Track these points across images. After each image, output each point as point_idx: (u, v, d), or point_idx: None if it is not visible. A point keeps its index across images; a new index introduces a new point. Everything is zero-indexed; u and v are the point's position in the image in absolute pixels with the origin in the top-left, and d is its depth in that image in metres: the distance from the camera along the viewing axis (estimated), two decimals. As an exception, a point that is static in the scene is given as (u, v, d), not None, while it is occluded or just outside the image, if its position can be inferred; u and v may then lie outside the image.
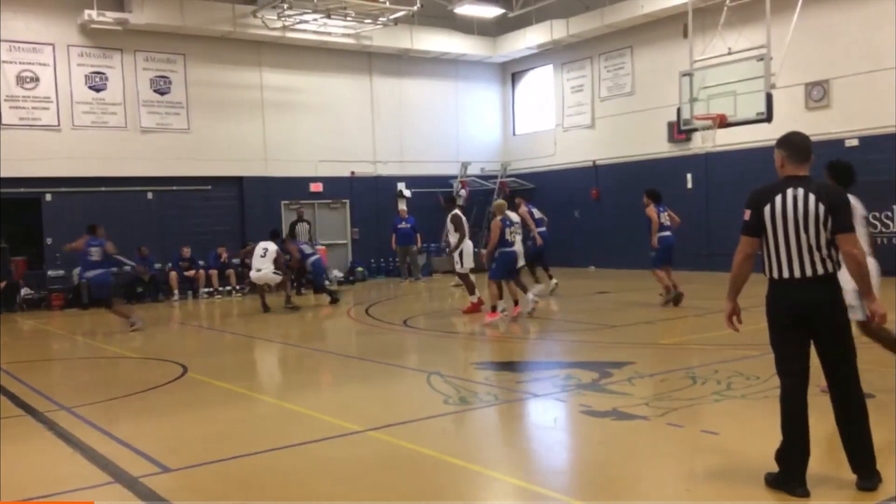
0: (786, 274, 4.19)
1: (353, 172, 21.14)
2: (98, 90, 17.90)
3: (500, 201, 12.38)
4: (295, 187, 20.35)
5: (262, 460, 5.29)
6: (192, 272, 17.96)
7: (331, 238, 20.86)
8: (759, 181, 4.59)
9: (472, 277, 12.88)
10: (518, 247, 11.89)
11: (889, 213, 15.25)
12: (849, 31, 15.84)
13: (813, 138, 4.58)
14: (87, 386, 8.50)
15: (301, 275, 16.97)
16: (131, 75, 18.26)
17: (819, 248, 4.14)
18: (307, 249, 16.10)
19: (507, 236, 11.49)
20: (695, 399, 6.36)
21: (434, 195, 20.85)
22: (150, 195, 18.54)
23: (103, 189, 17.76)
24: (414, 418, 6.27)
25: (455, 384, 7.43)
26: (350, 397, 7.44)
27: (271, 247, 14.56)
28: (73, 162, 17.35)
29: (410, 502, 4.45)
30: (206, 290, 17.93)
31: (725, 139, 15.02)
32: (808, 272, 4.15)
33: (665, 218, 12.56)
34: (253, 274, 14.64)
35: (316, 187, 20.73)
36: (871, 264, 5.50)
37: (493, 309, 11.42)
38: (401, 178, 21.85)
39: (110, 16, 17.38)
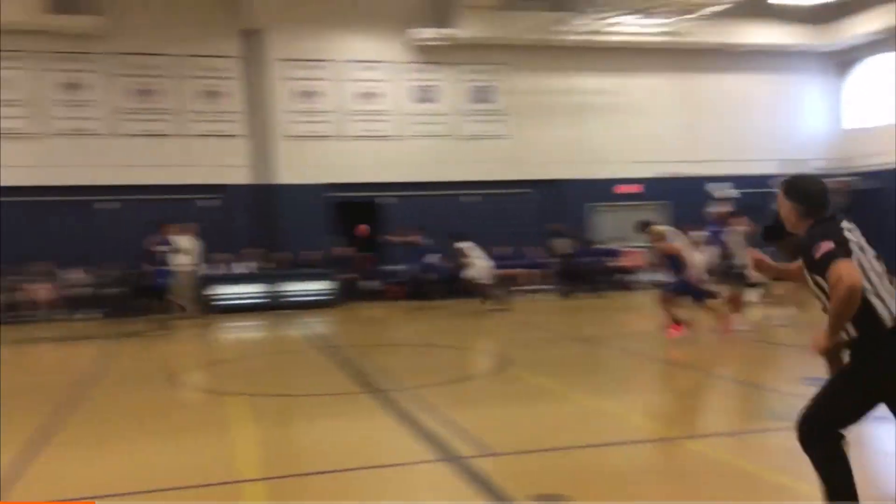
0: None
1: (665, 173, 20.70)
2: (426, 102, 19.61)
3: None
4: (603, 190, 20.49)
5: (586, 455, 5.45)
6: (511, 271, 18.70)
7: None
8: None
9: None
10: None
11: None
12: None
13: None
14: (420, 370, 9.39)
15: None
16: (456, 86, 19.74)
17: None
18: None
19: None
20: None
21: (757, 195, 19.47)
22: (461, 199, 19.76)
23: (430, 193, 19.39)
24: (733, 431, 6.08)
25: (780, 397, 7.04)
26: (666, 404, 7.40)
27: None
28: (405, 168, 19.16)
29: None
30: (524, 287, 18.56)
31: None
32: None
33: None
34: None
35: (629, 188, 20.68)
36: None
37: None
38: (716, 178, 20.95)
39: (439, 32, 18.95)
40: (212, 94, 18.61)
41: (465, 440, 5.77)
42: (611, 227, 20.20)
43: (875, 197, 19.20)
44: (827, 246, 3.36)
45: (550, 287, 18.69)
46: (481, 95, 19.99)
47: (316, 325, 14.64)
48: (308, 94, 19.10)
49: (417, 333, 13.57)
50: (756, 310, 12.52)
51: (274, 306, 16.75)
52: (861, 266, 3.37)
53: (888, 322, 3.39)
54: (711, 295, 10.94)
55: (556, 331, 13.17)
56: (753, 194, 19.74)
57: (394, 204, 19.41)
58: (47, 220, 17.23)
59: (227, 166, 18.44)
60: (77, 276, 16.64)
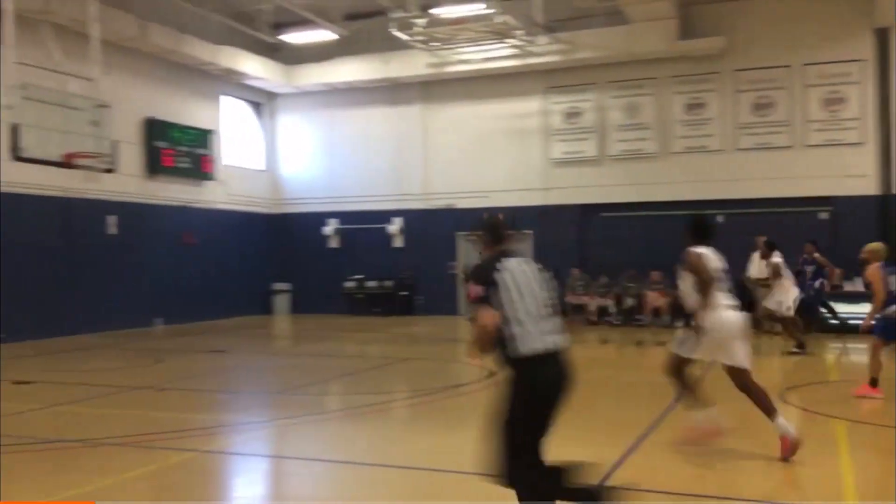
0: None
1: None
2: None
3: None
4: None
5: None
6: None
7: None
8: None
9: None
10: None
11: None
12: None
13: None
14: None
15: None
16: None
17: None
18: None
19: None
20: None
21: None
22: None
23: None
24: None
25: None
26: None
27: None
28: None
29: None
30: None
31: None
32: None
33: None
34: None
35: None
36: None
37: None
38: None
39: None
40: (832, 102, 17.91)
41: None
42: None
43: None
44: (475, 291, 4.19)
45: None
46: None
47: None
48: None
49: None
50: None
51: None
52: (511, 302, 4.16)
53: (522, 351, 4.13)
54: None
55: None
56: None
57: None
58: (656, 232, 18.84)
59: (844, 176, 17.55)
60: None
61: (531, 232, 20.11)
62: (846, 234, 17.11)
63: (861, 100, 17.74)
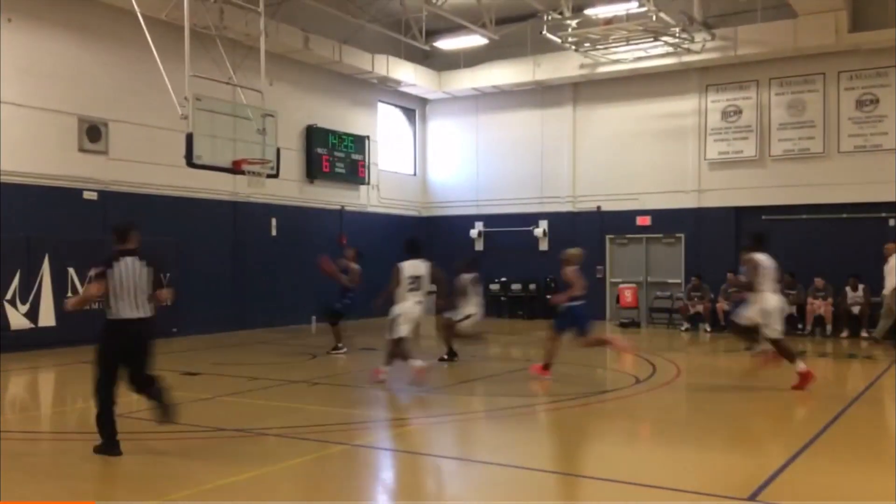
0: None
1: None
2: None
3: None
4: None
5: None
6: None
7: None
8: None
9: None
10: None
11: None
12: None
13: None
14: None
15: None
16: None
17: None
18: None
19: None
20: None
21: None
22: None
23: None
24: None
25: None
26: None
27: None
28: None
29: None
30: None
31: None
32: None
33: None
34: None
35: None
36: None
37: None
38: None
39: None
40: None
41: None
42: None
43: None
44: (94, 271, 6.72)
45: None
46: None
47: None
48: None
49: None
50: None
51: None
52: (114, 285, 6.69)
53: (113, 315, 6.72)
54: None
55: None
56: None
57: None
58: (820, 236, 17.74)
59: None
60: (856, 294, 16.66)
61: (682, 235, 19.52)
62: None
63: None
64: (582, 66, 20.00)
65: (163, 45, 12.90)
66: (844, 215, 17.82)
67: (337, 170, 20.33)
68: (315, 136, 19.73)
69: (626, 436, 7.96)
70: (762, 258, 10.10)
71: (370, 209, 21.58)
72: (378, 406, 9.75)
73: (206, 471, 6.26)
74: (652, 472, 6.34)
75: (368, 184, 21.35)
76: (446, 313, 13.01)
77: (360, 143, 21.02)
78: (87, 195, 15.03)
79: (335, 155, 20.25)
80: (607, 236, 20.76)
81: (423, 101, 23.43)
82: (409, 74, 21.37)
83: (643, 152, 20.25)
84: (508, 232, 22.05)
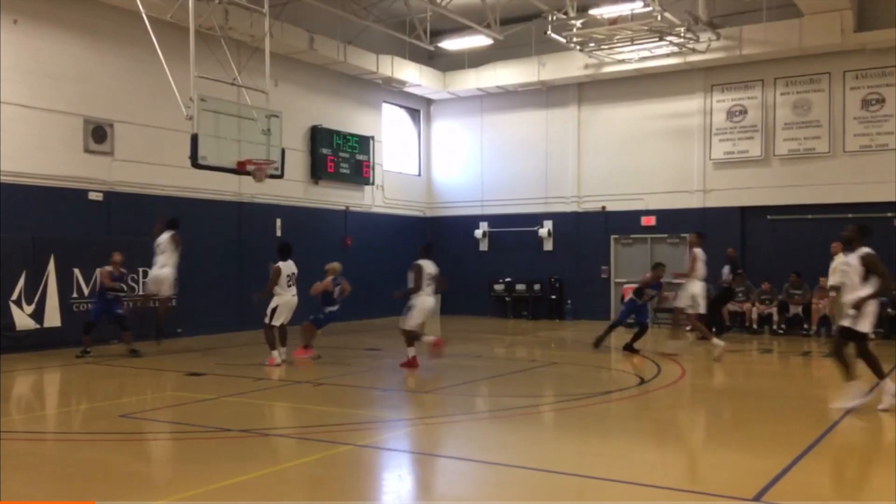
0: None
1: None
2: None
3: None
4: None
5: None
6: None
7: None
8: None
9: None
10: None
11: None
12: None
13: None
14: None
15: None
16: None
17: None
18: None
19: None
20: None
21: None
22: None
23: None
24: None
25: None
26: None
27: None
28: None
29: None
30: None
31: None
32: None
33: None
34: None
35: None
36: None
37: None
38: None
39: None
40: None
41: None
42: None
43: None
44: None
45: None
46: None
47: None
48: None
49: None
50: None
51: None
52: None
53: None
54: None
55: None
56: None
57: None
58: (825, 236, 17.61)
59: None
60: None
61: (686, 235, 19.48)
62: None
63: None
64: (587, 66, 19.98)
65: (168, 47, 12.92)
66: (850, 215, 17.69)
67: (341, 170, 20.34)
68: (320, 137, 19.74)
69: (631, 436, 7.94)
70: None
71: (375, 209, 21.59)
72: (383, 406, 9.74)
73: (212, 471, 6.26)
74: (658, 473, 6.33)
75: (373, 184, 21.35)
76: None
77: (364, 143, 21.02)
78: (92, 196, 15.06)
79: (340, 155, 20.26)
80: (612, 236, 20.73)
81: (428, 102, 23.43)
82: (413, 75, 21.37)
83: (648, 152, 20.23)
84: (513, 232, 22.05)
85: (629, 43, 18.26)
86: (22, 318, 13.46)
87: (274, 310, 12.25)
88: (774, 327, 17.30)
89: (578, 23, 17.41)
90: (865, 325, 8.30)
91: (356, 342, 14.63)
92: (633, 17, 17.18)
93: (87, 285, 14.45)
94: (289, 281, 12.36)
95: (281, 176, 14.12)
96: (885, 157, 17.49)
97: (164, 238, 13.57)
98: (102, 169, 15.17)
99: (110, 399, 9.88)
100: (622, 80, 20.27)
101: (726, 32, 18.21)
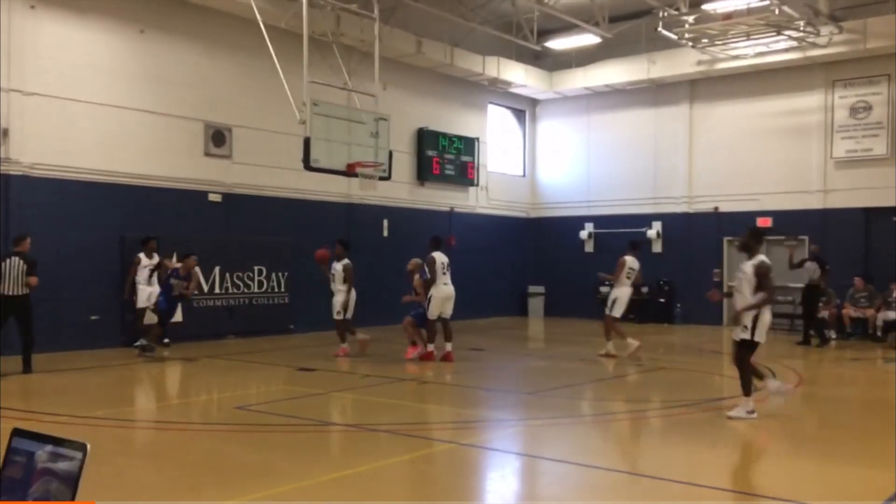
0: None
1: None
2: None
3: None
4: None
5: None
6: None
7: None
8: None
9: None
10: None
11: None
12: None
13: None
14: None
15: None
16: None
17: None
18: None
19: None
20: None
21: None
22: None
23: None
24: None
25: None
26: None
27: None
28: None
29: None
30: None
31: None
32: None
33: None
34: None
35: None
36: None
37: None
38: None
39: None
40: None
41: None
42: None
43: None
44: None
45: None
46: None
47: None
48: None
49: None
50: None
51: None
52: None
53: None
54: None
55: None
56: None
57: None
58: None
59: None
60: None
61: (806, 237, 18.65)
62: None
63: None
64: (699, 63, 19.42)
65: (282, 53, 13.38)
66: None
67: (447, 171, 20.53)
68: (426, 139, 20.00)
69: (702, 442, 7.68)
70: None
71: (479, 210, 21.67)
72: (485, 406, 9.78)
73: (316, 464, 6.46)
74: (767, 481, 6.10)
75: (477, 185, 21.44)
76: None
77: (469, 144, 21.15)
78: (211, 197, 15.78)
79: (445, 157, 20.45)
80: (724, 238, 20.06)
81: (534, 102, 23.34)
82: (519, 75, 21.34)
83: (764, 151, 19.47)
84: (620, 233, 21.66)
85: (744, 38, 17.64)
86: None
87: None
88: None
89: (691, 18, 16.95)
90: (755, 335, 8.11)
91: (460, 342, 14.69)
92: (750, 12, 16.58)
93: (207, 283, 15.16)
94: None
95: (388, 178, 14.38)
96: None
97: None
98: (221, 171, 15.87)
99: (227, 391, 10.33)
100: (737, 76, 19.58)
101: (849, 25, 17.31)
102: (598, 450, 7.35)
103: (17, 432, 1.90)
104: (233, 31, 15.76)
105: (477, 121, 21.73)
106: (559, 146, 23.11)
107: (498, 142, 22.74)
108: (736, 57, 18.75)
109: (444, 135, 20.45)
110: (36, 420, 7.59)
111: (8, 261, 10.78)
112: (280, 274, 16.75)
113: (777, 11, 15.94)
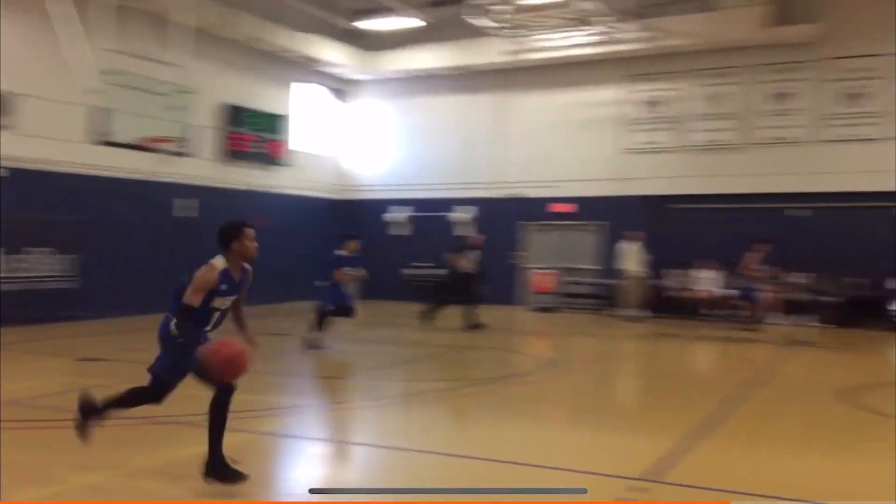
0: None
1: None
2: None
3: None
4: None
5: None
6: None
7: None
8: None
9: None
10: None
11: None
12: None
13: None
14: None
15: None
16: None
17: None
18: None
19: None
20: None
21: None
22: None
23: None
24: None
25: None
26: None
27: None
28: None
29: None
30: None
31: None
32: None
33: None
34: None
35: None
36: None
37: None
38: None
39: None
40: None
41: None
42: None
43: None
44: None
45: None
46: None
47: None
48: None
49: None
50: None
51: None
52: None
53: None
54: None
55: None
56: None
57: None
58: (732, 225, 18.17)
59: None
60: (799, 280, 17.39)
61: (605, 223, 19.72)
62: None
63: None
64: (505, 53, 19.93)
65: (83, 17, 12.16)
66: (755, 206, 18.31)
67: (254, 150, 19.77)
68: (231, 115, 19.12)
69: (502, 417, 7.93)
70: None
71: (287, 191, 21.05)
72: (288, 393, 9.45)
73: (107, 459, 5.94)
74: (549, 454, 6.30)
75: (286, 165, 20.80)
76: None
77: (278, 122, 20.49)
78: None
79: (252, 134, 19.67)
80: (527, 223, 20.81)
81: (348, 83, 22.99)
82: (333, 54, 20.94)
83: (566, 140, 20.31)
84: (430, 217, 21.90)
85: (552, 30, 18.30)
86: None
87: None
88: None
89: (502, 9, 17.33)
90: None
91: (263, 326, 14.20)
92: (558, 5, 17.19)
93: None
94: None
95: (190, 154, 13.60)
96: (790, 149, 18.08)
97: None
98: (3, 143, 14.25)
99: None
100: (542, 67, 20.23)
101: (650, 24, 18.40)
102: (398, 431, 7.32)
103: None
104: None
105: (287, 98, 21.07)
106: (378, 128, 22.93)
107: (308, 121, 22.20)
108: (542, 48, 19.44)
109: (251, 111, 19.64)
110: None
111: None
112: (70, 256, 15.39)
113: (583, 7, 16.56)
